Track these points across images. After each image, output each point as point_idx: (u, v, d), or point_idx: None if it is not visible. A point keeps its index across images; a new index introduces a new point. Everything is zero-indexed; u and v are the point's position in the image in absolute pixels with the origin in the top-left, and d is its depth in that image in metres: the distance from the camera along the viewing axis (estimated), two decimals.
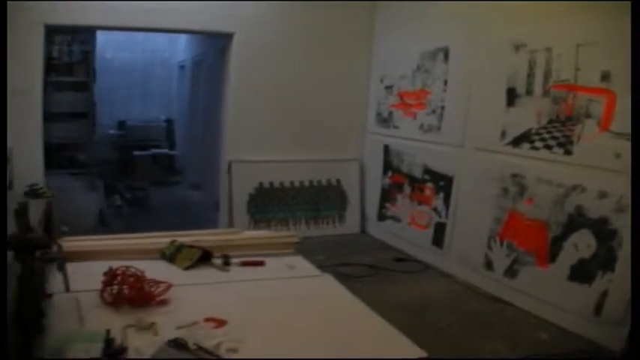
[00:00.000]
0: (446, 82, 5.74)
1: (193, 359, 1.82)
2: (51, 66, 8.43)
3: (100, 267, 2.56)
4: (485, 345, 3.98)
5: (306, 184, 7.00)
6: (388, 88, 6.73)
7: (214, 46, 7.73)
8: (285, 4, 6.64)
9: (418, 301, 4.74)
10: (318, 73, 6.93)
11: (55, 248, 2.02)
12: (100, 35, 9.58)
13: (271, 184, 6.85)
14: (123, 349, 1.86)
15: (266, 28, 6.64)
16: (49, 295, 2.29)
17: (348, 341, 2.16)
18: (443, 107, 5.76)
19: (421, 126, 6.10)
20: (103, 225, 7.11)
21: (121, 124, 10.70)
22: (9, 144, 5.84)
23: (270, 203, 6.85)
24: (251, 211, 6.77)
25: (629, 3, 2.86)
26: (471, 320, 4.44)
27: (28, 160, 5.95)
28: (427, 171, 6.03)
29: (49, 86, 7.34)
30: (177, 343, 1.90)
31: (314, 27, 6.81)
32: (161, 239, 3.17)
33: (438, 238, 5.86)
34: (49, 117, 6.97)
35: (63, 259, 2.14)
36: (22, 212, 1.87)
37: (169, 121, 11.12)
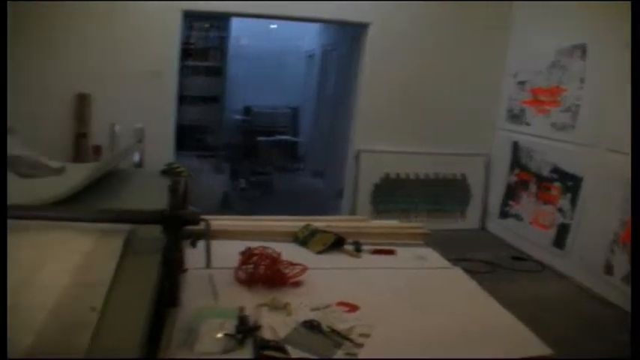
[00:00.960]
0: (582, 80, 5.53)
1: (327, 341, 1.84)
2: (187, 50, 8.71)
3: (235, 246, 2.64)
4: (596, 348, 3.88)
5: (431, 176, 6.94)
6: (521, 83, 6.55)
7: (347, 36, 7.74)
8: None
9: (533, 301, 4.63)
10: (451, 65, 6.83)
11: (202, 225, 2.08)
12: (235, 22, 9.84)
13: (397, 174, 6.84)
14: (257, 327, 1.89)
15: (401, 18, 6.60)
16: (185, 270, 2.37)
17: (477, 334, 2.13)
18: (578, 105, 5.55)
19: (554, 124, 5.90)
20: (227, 207, 7.31)
21: (247, 110, 10.93)
22: (141, 124, 6.10)
23: (394, 194, 6.85)
24: (375, 201, 6.80)
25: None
26: (584, 323, 4.34)
27: (159, 141, 6.19)
28: (556, 170, 5.84)
29: (184, 70, 7.60)
30: (312, 325, 1.93)
31: (450, 18, 6.72)
32: (293, 223, 3.21)
33: (560, 239, 5.68)
34: (182, 99, 7.23)
35: (208, 236, 2.21)
36: (175, 188, 1.95)
37: (295, 109, 11.26)
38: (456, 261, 3.03)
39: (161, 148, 6.08)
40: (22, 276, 1.48)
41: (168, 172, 3.48)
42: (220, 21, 9.86)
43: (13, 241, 1.76)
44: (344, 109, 7.49)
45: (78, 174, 2.72)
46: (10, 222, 1.89)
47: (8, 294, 1.37)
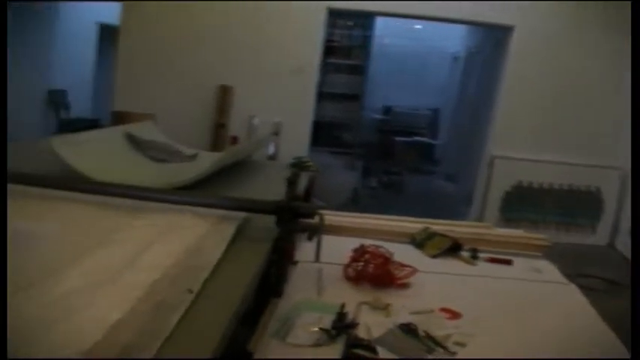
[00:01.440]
0: None
1: (420, 346, 1.84)
2: (330, 48, 8.83)
3: (347, 242, 2.64)
4: None
5: (564, 187, 6.69)
6: None
7: (491, 38, 7.61)
8: None
9: None
10: (597, 73, 6.55)
11: (316, 219, 2.12)
12: (380, 21, 9.89)
13: (530, 183, 6.66)
14: (354, 325, 1.90)
15: (547, 22, 6.42)
16: (295, 262, 2.44)
17: (576, 354, 2.06)
18: None
19: None
20: (356, 204, 7.38)
21: (387, 110, 10.93)
22: (280, 118, 6.27)
23: (524, 203, 6.67)
24: (504, 209, 6.67)
25: None
26: None
27: (295, 135, 6.35)
28: None
29: (325, 67, 7.73)
30: (408, 328, 1.91)
31: (601, 23, 6.42)
32: (412, 224, 3.21)
33: None
34: (321, 96, 7.36)
35: (320, 231, 2.26)
36: (292, 180, 1.99)
37: (435, 111, 11.11)
38: (574, 277, 2.93)
39: (296, 143, 6.23)
40: (130, 254, 1.58)
41: (296, 165, 3.59)
42: (364, 19, 9.94)
43: (132, 221, 1.88)
44: (482, 113, 7.35)
45: (208, 161, 2.85)
46: (135, 203, 2.03)
47: (113, 269, 1.48)
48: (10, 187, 2.10)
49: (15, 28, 7.67)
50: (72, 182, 2.17)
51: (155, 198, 2.04)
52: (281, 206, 1.93)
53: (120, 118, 5.87)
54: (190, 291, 1.37)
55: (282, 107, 6.42)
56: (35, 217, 1.89)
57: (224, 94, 6.41)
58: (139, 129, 3.25)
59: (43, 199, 2.07)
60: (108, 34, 9.99)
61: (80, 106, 9.78)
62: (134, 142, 3.03)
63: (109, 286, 1.38)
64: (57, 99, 9.30)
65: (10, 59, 7.71)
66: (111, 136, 3.09)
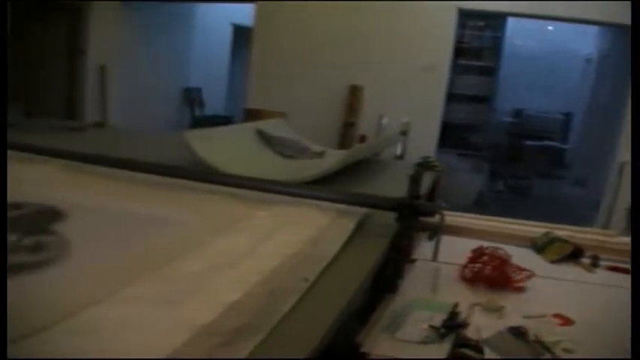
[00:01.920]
0: None
1: (528, 350, 1.82)
2: (460, 49, 8.78)
3: (466, 244, 2.62)
4: None
5: None
6: None
7: (622, 40, 7.30)
8: None
9: None
10: None
11: (437, 218, 2.14)
12: (511, 22, 9.70)
13: None
14: (464, 325, 1.89)
15: None
16: (413, 260, 2.44)
17: None
18: None
19: None
20: (480, 207, 7.29)
21: (517, 113, 10.67)
22: (408, 118, 6.29)
23: None
24: (628, 218, 6.35)
25: None
26: None
27: (423, 136, 6.33)
28: None
29: (455, 68, 7.68)
30: (518, 331, 1.88)
31: None
32: (534, 228, 3.16)
33: None
34: (450, 97, 7.32)
35: (440, 230, 2.25)
36: (415, 179, 2.00)
37: (567, 115, 10.71)
38: None
39: (424, 143, 6.21)
40: (251, 242, 1.65)
41: (423, 165, 3.62)
42: (495, 20, 9.77)
43: (256, 212, 1.96)
44: (614, 118, 7.03)
45: (335, 158, 2.93)
46: (260, 195, 2.10)
47: (234, 255, 1.55)
48: (145, 176, 2.28)
49: (154, 28, 8.09)
50: (202, 173, 2.30)
51: (279, 191, 2.11)
52: (402, 203, 1.95)
53: (252, 115, 6.09)
54: (306, 280, 1.42)
55: (411, 107, 6.42)
56: (165, 205, 2.03)
57: (354, 93, 6.50)
58: (270, 126, 3.38)
59: (171, 189, 2.21)
60: (241, 35, 10.34)
61: (214, 103, 10.15)
62: (264, 138, 3.15)
63: (229, 270, 1.45)
64: (192, 96, 9.70)
65: (149, 58, 8.15)
66: (242, 132, 3.23)
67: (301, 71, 6.54)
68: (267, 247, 1.61)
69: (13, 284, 1.30)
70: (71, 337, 1.07)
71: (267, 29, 6.64)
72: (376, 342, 1.73)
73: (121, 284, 1.31)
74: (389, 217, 1.99)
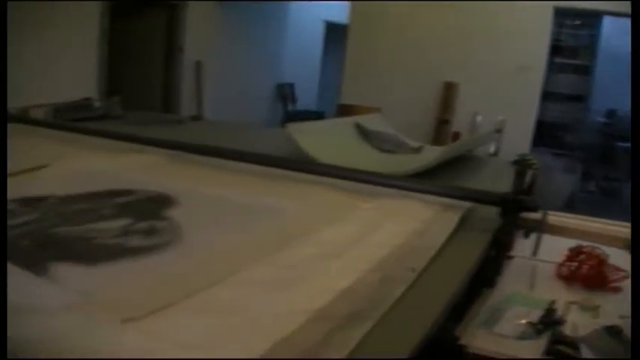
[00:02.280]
0: None
1: (623, 349, 1.79)
2: (555, 47, 8.63)
3: (562, 242, 2.58)
4: None
5: None
6: None
7: None
8: None
9: None
10: None
11: (540, 215, 2.14)
12: (607, 20, 9.46)
13: None
14: (561, 322, 1.88)
15: None
16: (511, 257, 2.40)
17: None
18: None
19: None
20: (571, 207, 7.15)
21: (611, 113, 10.39)
22: (503, 116, 6.23)
23: None
24: None
25: None
26: None
27: (517, 134, 6.24)
28: None
29: (550, 67, 7.57)
30: (613, 331, 1.85)
31: None
32: (628, 230, 3.12)
33: None
34: (545, 96, 7.22)
35: (542, 227, 2.25)
36: (521, 174, 2.02)
37: None
38: None
39: (518, 142, 6.12)
40: (358, 232, 1.69)
41: (519, 162, 3.60)
42: (591, 19, 9.55)
43: (360, 204, 2.01)
44: None
45: (433, 154, 2.97)
46: (362, 187, 2.15)
47: (343, 244, 1.60)
48: (246, 166, 2.35)
49: (249, 25, 8.26)
50: (306, 164, 2.38)
51: (384, 183, 2.15)
52: (507, 198, 1.95)
53: (345, 110, 6.15)
54: (413, 270, 1.44)
55: (506, 105, 6.35)
56: (270, 194, 2.11)
57: (449, 90, 6.49)
58: (367, 120, 3.43)
59: (274, 179, 2.29)
60: (333, 32, 10.41)
61: (305, 99, 10.26)
62: (363, 132, 3.21)
63: (338, 257, 1.49)
64: (285, 92, 9.84)
65: (244, 54, 8.33)
66: (341, 126, 3.29)
67: (395, 68, 6.59)
68: (375, 236, 1.65)
69: (130, 266, 1.41)
70: (191, 317, 1.14)
71: (362, 27, 6.70)
72: (474, 336, 1.75)
73: (234, 268, 1.37)
74: (489, 212, 2.00)
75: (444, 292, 1.41)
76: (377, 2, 6.59)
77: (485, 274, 2.02)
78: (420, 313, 1.29)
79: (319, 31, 10.50)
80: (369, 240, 1.64)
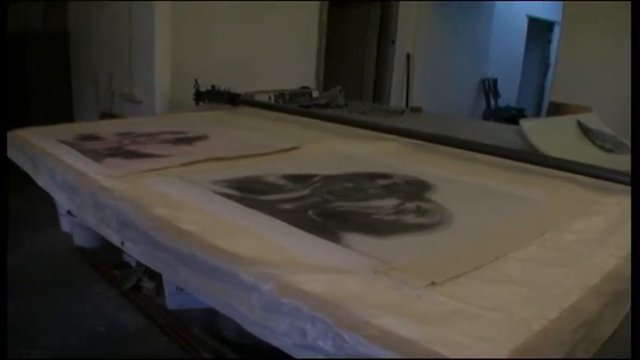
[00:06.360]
0: None
1: None
2: None
3: None
4: None
5: None
6: None
7: None
8: None
9: None
10: None
11: None
12: None
13: None
14: None
15: None
16: None
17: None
18: None
19: None
20: None
21: None
22: None
23: None
24: None
25: None
26: None
27: None
28: None
29: None
30: None
31: None
32: None
33: None
34: None
35: None
36: None
37: None
38: None
39: None
40: (610, 224, 1.73)
41: None
42: None
43: (602, 199, 2.03)
44: None
45: None
46: (601, 183, 2.17)
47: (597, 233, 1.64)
48: (480, 156, 2.47)
49: (457, 19, 8.25)
50: (550, 159, 2.42)
51: (623, 181, 2.13)
52: None
53: (557, 109, 6.02)
54: None
55: None
56: (515, 183, 2.19)
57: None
58: (587, 119, 3.41)
59: (512, 170, 2.38)
60: (535, 27, 10.13)
61: (506, 94, 10.07)
62: (584, 130, 3.21)
63: (598, 244, 1.55)
64: (488, 87, 9.73)
65: (451, 47, 8.33)
66: (566, 123, 3.30)
67: (607, 67, 6.34)
68: (625, 228, 1.67)
69: (416, 239, 1.55)
70: (484, 285, 1.25)
71: (577, 22, 6.53)
72: None
73: (512, 246, 1.48)
74: None
75: None
76: (590, 3, 6.38)
77: None
78: None
79: (522, 27, 10.24)
80: (620, 230, 1.67)
